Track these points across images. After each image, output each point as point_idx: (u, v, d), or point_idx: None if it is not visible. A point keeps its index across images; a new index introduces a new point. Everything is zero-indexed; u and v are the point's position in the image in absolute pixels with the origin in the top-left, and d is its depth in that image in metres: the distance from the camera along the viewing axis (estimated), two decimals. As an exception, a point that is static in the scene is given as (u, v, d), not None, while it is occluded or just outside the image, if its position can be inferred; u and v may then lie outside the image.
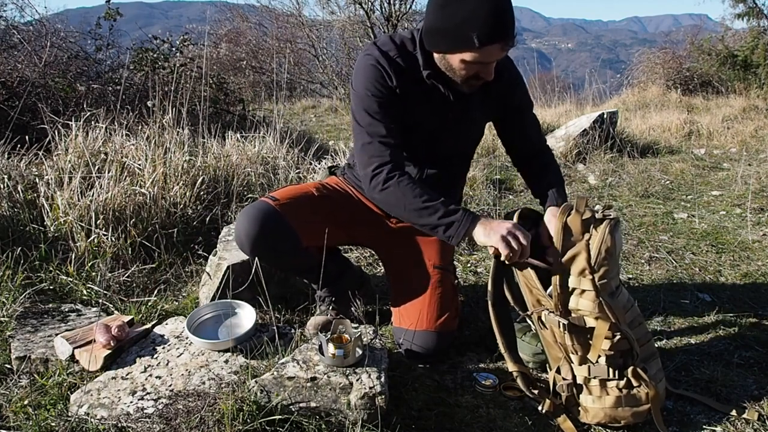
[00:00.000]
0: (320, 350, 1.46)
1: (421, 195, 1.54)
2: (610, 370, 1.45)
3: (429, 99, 1.65)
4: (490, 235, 1.47)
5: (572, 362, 1.49)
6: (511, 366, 1.54)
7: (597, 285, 1.43)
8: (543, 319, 1.49)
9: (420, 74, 1.62)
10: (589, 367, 1.46)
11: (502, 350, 1.57)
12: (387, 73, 1.59)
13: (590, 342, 1.46)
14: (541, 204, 1.77)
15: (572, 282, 1.45)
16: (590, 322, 1.44)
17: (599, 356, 1.45)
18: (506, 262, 1.49)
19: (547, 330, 1.50)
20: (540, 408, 1.48)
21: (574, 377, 1.48)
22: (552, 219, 1.58)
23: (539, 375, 1.69)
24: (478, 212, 1.71)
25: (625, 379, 1.45)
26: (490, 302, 1.59)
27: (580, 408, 1.49)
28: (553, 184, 1.75)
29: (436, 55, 1.59)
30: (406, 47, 1.63)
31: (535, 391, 1.51)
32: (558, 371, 1.51)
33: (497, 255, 1.50)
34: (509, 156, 1.94)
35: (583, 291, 1.44)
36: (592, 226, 1.48)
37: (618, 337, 1.44)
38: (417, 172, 1.79)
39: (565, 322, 1.44)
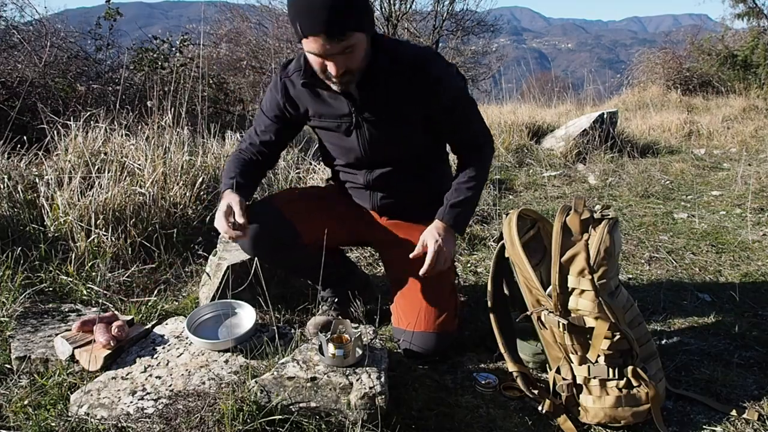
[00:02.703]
0: (320, 350, 1.46)
1: (228, 167, 1.74)
2: (610, 369, 1.45)
3: (329, 105, 1.67)
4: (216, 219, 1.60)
5: (572, 362, 1.49)
6: (510, 366, 1.54)
7: (596, 285, 1.43)
8: (542, 319, 1.49)
9: (318, 85, 1.64)
10: (588, 367, 1.46)
11: (502, 350, 1.57)
12: (278, 91, 1.71)
13: (590, 342, 1.46)
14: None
15: (571, 282, 1.45)
16: (590, 322, 1.44)
17: (599, 356, 1.45)
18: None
19: (547, 330, 1.50)
20: (540, 408, 1.48)
21: (573, 377, 1.48)
22: (428, 236, 1.66)
23: (539, 375, 1.69)
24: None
25: (624, 379, 1.45)
26: (489, 302, 1.59)
27: (580, 408, 1.49)
28: (453, 196, 1.74)
29: None
30: (307, 62, 1.62)
31: (535, 391, 1.51)
32: (558, 371, 1.51)
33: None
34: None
35: (583, 291, 1.44)
36: (590, 226, 1.48)
37: (617, 336, 1.44)
38: (364, 176, 1.81)
39: (565, 322, 1.44)
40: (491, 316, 1.59)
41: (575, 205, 1.50)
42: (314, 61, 1.51)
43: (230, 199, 1.60)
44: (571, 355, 1.48)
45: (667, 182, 4.16)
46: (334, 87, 1.58)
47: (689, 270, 2.53)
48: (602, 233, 1.46)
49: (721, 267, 2.57)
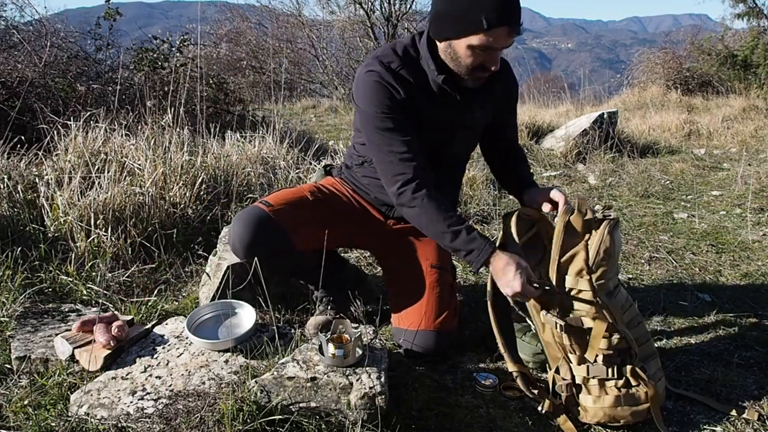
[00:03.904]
0: (320, 350, 1.46)
1: (446, 218, 1.55)
2: (609, 369, 1.45)
3: (437, 103, 1.64)
4: (502, 286, 1.49)
5: (571, 362, 1.49)
6: (510, 366, 1.54)
7: (594, 285, 1.43)
8: (542, 319, 1.49)
9: (426, 81, 1.61)
10: (587, 367, 1.46)
11: (502, 350, 1.57)
12: (393, 88, 1.57)
13: (588, 342, 1.46)
14: (514, 189, 1.83)
15: (569, 282, 1.45)
16: (587, 322, 1.44)
17: (597, 356, 1.45)
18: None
19: (547, 330, 1.50)
20: (540, 408, 1.48)
21: (573, 377, 1.48)
22: (547, 193, 1.63)
23: (539, 375, 1.69)
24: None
25: (623, 378, 1.45)
26: (489, 302, 1.59)
27: (579, 408, 1.49)
28: (527, 175, 1.84)
29: (441, 46, 1.56)
30: (409, 55, 1.62)
31: (535, 391, 1.51)
32: (557, 371, 1.51)
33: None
34: (483, 150, 1.95)
35: (581, 291, 1.44)
36: (592, 227, 1.48)
37: (616, 337, 1.44)
38: None
39: (562, 323, 1.44)
40: (491, 316, 1.59)
41: (579, 205, 1.49)
42: (476, 56, 1.51)
43: (516, 263, 1.46)
44: (569, 355, 1.48)
45: (667, 182, 4.16)
46: (468, 83, 1.60)
47: (689, 270, 2.53)
48: (602, 233, 1.46)
49: (721, 267, 2.57)
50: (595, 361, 1.46)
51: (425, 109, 1.63)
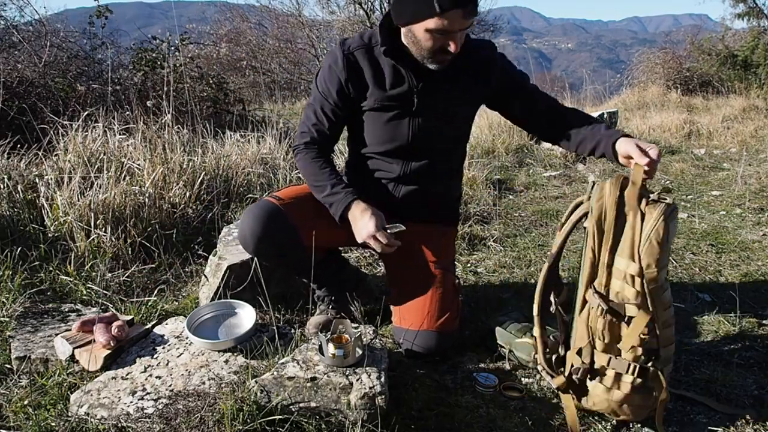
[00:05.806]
0: (320, 350, 1.46)
1: (318, 174, 1.70)
2: (631, 365, 1.39)
3: (394, 85, 1.68)
4: (357, 231, 1.62)
5: (595, 347, 1.42)
6: (536, 330, 1.49)
7: (644, 273, 1.34)
8: (586, 296, 1.42)
9: (379, 66, 1.67)
10: (610, 357, 1.41)
11: (535, 312, 1.49)
12: (339, 70, 1.68)
13: (621, 333, 1.39)
14: (594, 150, 1.71)
15: (622, 264, 1.37)
16: (631, 310, 1.37)
17: (628, 347, 1.38)
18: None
19: (585, 311, 1.43)
20: (552, 383, 1.47)
21: (592, 362, 1.43)
22: (637, 146, 1.53)
23: (539, 375, 1.69)
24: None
25: (642, 378, 1.39)
26: (548, 263, 1.50)
27: (588, 394, 1.45)
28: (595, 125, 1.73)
29: (402, 31, 1.63)
30: (371, 40, 1.69)
31: (550, 370, 1.48)
32: (579, 353, 1.45)
33: None
34: (530, 131, 2.02)
35: (632, 276, 1.35)
36: (645, 201, 1.37)
37: (650, 334, 1.37)
38: (401, 167, 1.77)
39: (605, 306, 1.36)
40: (542, 276, 1.49)
41: (633, 176, 1.37)
42: (435, 40, 1.55)
43: (372, 211, 1.62)
44: (596, 341, 1.42)
45: (667, 182, 4.16)
46: (432, 65, 1.62)
47: (689, 270, 2.53)
48: (657, 219, 1.34)
49: (721, 267, 2.57)
50: (621, 353, 1.40)
51: (379, 91, 1.69)
